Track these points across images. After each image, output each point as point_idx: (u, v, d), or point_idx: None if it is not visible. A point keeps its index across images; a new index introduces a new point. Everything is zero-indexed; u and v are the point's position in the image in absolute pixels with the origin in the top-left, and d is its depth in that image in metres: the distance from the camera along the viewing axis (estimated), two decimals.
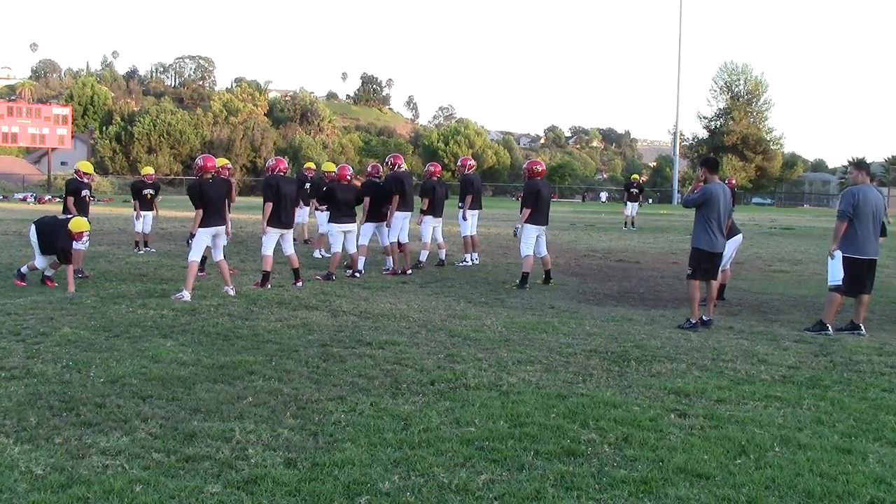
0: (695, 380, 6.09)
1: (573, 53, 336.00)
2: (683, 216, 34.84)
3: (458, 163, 14.60)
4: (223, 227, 10.01)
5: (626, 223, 26.25)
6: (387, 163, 13.00)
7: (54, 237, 10.11)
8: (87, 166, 12.32)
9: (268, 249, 10.71)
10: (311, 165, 17.30)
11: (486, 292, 10.76)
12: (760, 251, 18.56)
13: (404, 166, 13.04)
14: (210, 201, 9.78)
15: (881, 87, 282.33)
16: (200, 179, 9.87)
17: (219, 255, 10.10)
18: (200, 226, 9.76)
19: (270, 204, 10.57)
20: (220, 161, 11.28)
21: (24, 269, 10.48)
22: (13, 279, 10.43)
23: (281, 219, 10.76)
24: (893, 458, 4.46)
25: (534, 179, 11.57)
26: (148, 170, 16.06)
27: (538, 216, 11.41)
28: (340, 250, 11.83)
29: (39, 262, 10.34)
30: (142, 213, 15.15)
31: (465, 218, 13.77)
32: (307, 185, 15.31)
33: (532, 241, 11.47)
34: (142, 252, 14.73)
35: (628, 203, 26.42)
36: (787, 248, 19.92)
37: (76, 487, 3.78)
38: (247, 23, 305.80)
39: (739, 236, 10.57)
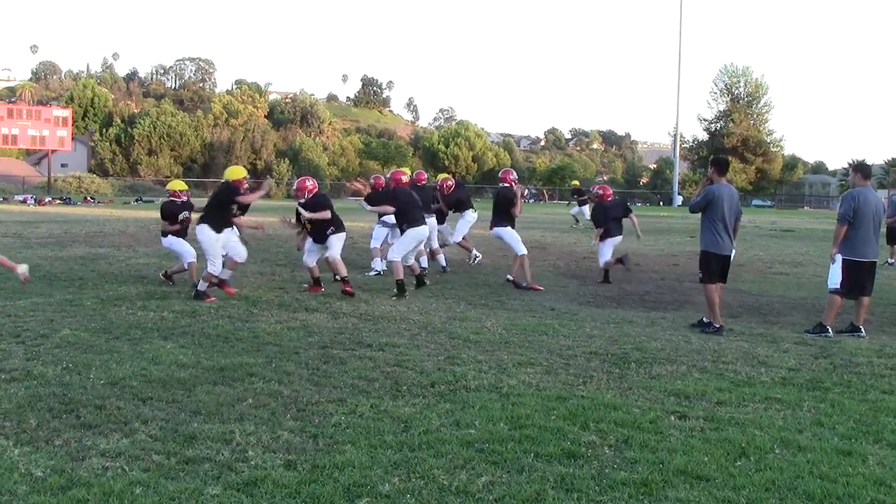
0: (695, 382, 6.08)
1: (573, 55, 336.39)
2: (683, 218, 34.83)
3: (599, 191, 13.52)
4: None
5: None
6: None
7: (218, 211, 9.85)
8: (180, 185, 11.40)
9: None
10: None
11: (486, 294, 10.76)
12: (760, 253, 18.56)
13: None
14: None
15: (882, 89, 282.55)
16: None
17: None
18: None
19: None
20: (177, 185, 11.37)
21: (202, 287, 9.63)
22: (190, 290, 9.89)
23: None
24: (894, 461, 4.46)
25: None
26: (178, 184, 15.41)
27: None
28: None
29: (214, 266, 9.69)
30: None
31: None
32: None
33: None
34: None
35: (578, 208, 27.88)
36: (787, 250, 19.91)
37: (76, 489, 3.78)
38: (247, 25, 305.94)
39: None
